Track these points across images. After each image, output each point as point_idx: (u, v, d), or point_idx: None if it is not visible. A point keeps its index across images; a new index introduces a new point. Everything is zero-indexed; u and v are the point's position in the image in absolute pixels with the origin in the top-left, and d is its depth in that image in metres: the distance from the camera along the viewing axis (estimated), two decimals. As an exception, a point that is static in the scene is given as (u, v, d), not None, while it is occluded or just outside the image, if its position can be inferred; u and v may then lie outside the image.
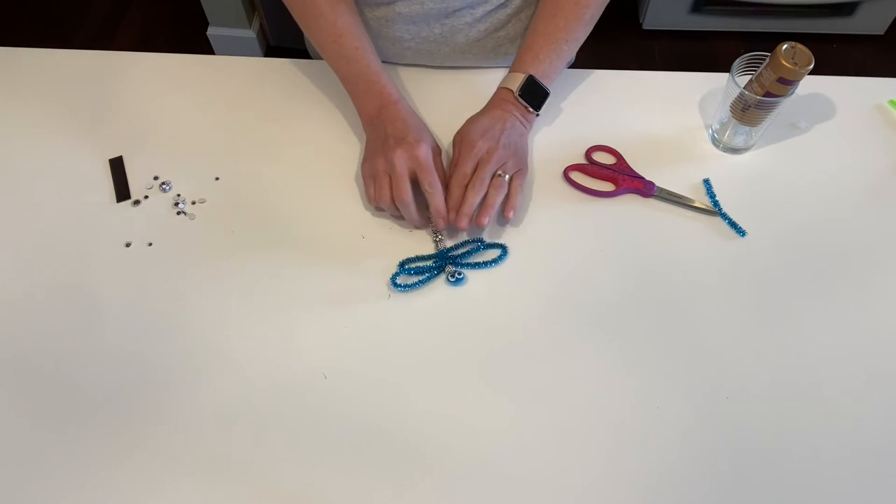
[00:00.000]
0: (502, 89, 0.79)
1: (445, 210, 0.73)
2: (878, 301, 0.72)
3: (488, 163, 0.73)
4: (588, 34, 0.82)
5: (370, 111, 0.78)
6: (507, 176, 0.74)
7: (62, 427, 0.64)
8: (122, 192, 0.79)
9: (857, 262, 0.74)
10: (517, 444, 0.64)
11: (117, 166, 0.80)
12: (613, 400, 0.66)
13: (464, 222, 0.73)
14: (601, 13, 0.82)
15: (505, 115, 0.77)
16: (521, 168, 0.76)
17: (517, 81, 0.78)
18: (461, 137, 0.77)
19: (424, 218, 0.75)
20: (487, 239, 0.75)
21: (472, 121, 0.78)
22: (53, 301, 0.71)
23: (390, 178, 0.73)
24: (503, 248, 0.74)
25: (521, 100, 0.78)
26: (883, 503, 0.61)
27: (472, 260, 0.73)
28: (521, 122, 0.78)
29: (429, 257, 0.74)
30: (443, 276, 0.72)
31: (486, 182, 0.73)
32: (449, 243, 0.75)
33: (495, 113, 0.77)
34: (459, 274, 0.72)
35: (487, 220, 0.73)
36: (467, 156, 0.74)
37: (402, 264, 0.73)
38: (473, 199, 0.73)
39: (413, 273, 0.72)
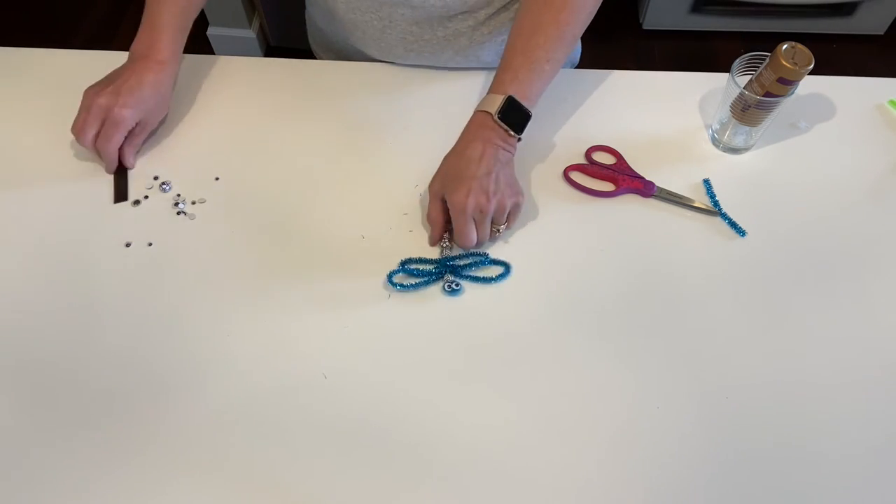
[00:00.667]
0: (480, 113, 0.74)
1: (113, 163, 0.78)
2: (879, 300, 0.72)
3: (483, 222, 0.71)
4: (570, 53, 0.79)
5: (134, 52, 0.80)
6: (503, 228, 0.73)
7: (61, 427, 0.64)
8: (122, 192, 0.79)
9: (858, 261, 0.74)
10: (517, 444, 0.64)
11: (119, 167, 0.80)
12: (613, 400, 0.66)
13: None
14: (583, 31, 0.78)
15: (485, 146, 0.71)
16: (517, 201, 0.73)
17: (496, 103, 0.72)
18: (445, 194, 0.71)
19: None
20: (493, 253, 0.74)
21: (449, 167, 0.73)
22: (53, 301, 0.71)
23: (90, 115, 0.77)
24: (507, 266, 0.73)
25: (500, 123, 0.72)
26: (886, 501, 0.61)
27: (473, 273, 0.73)
28: (504, 149, 0.73)
29: (431, 262, 0.73)
30: (440, 284, 0.72)
31: (482, 242, 0.73)
32: (454, 252, 0.74)
33: (475, 147, 0.71)
34: (457, 285, 0.72)
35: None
36: (462, 222, 0.70)
37: (403, 263, 0.73)
38: (467, 247, 0.73)
39: (413, 274, 0.72)
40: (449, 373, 0.67)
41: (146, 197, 0.79)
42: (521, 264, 0.74)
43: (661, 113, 0.86)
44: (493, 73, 0.88)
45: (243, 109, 0.86)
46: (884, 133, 0.84)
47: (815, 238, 0.76)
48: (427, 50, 0.88)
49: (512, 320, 0.70)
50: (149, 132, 0.81)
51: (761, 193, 0.79)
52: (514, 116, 0.73)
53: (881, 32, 1.99)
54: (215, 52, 1.95)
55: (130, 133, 0.79)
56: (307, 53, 1.05)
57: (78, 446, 0.63)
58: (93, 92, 0.78)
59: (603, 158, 0.82)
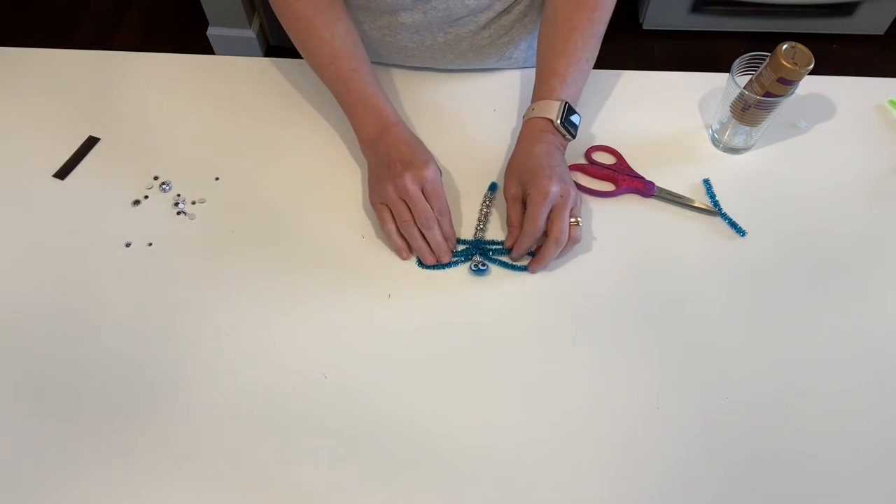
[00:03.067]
0: (539, 119, 0.75)
1: (446, 243, 0.72)
2: (879, 300, 0.72)
3: (564, 208, 0.70)
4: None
5: (370, 134, 0.75)
6: (581, 221, 0.72)
7: (60, 427, 0.64)
8: (66, 170, 0.79)
9: (858, 261, 0.74)
10: (517, 445, 0.64)
11: (87, 146, 0.80)
12: (613, 400, 0.66)
13: (536, 270, 0.72)
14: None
15: (551, 148, 0.73)
16: (581, 197, 0.74)
17: (555, 110, 0.74)
18: (527, 187, 0.71)
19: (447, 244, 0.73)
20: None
21: (523, 165, 0.73)
22: (53, 301, 0.71)
23: (406, 202, 0.70)
24: (533, 255, 0.73)
25: (561, 129, 0.74)
26: (884, 503, 0.61)
27: (502, 258, 0.74)
28: (561, 151, 0.75)
29: (462, 242, 0.74)
30: (466, 266, 0.73)
31: (566, 233, 0.70)
32: (488, 237, 0.75)
33: (543, 147, 0.73)
34: (484, 265, 0.72)
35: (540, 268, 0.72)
36: (542, 208, 0.69)
37: None
38: (553, 254, 0.70)
39: None
40: (447, 372, 0.67)
41: (146, 197, 0.79)
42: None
43: (661, 113, 0.86)
44: (491, 75, 0.89)
45: (243, 109, 0.86)
46: (884, 133, 0.84)
47: (814, 238, 0.76)
48: (428, 56, 0.87)
49: (510, 322, 0.70)
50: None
51: (761, 193, 0.79)
52: (570, 120, 0.75)
53: (881, 32, 1.99)
54: (215, 52, 1.95)
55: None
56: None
57: (77, 446, 0.63)
58: (377, 197, 0.72)
59: (603, 158, 0.82)
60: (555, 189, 0.69)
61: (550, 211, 0.70)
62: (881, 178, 0.81)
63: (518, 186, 0.72)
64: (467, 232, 0.76)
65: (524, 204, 0.72)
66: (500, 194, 0.78)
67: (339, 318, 0.70)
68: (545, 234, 0.71)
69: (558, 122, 0.74)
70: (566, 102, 0.75)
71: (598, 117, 0.85)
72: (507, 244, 0.73)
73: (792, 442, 0.64)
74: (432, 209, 0.71)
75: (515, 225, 0.72)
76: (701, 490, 0.62)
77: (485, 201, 0.77)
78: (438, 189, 0.71)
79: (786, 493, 0.62)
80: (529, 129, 0.75)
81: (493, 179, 0.79)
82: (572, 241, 0.71)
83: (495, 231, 0.76)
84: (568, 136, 0.76)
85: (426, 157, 0.72)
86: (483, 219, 0.76)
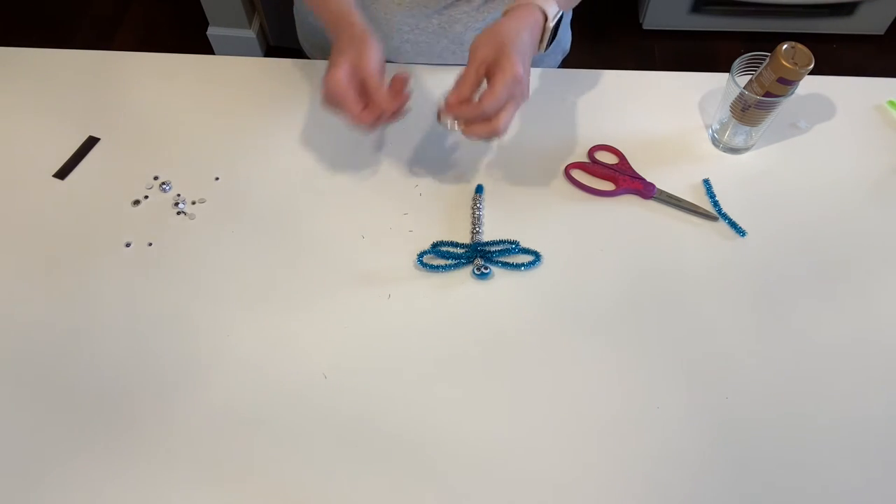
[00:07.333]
0: (536, 9, 0.71)
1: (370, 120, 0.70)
2: (879, 300, 0.72)
3: (517, 103, 0.68)
4: None
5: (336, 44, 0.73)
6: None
7: (60, 426, 0.64)
8: (66, 170, 0.79)
9: (857, 261, 0.74)
10: (517, 445, 0.64)
11: (87, 146, 0.80)
12: (613, 401, 0.66)
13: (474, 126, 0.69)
14: None
15: (531, 44, 0.70)
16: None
17: (553, 10, 0.72)
18: (505, 56, 0.67)
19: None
20: (522, 243, 0.75)
21: (512, 37, 0.69)
22: (53, 301, 0.71)
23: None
24: (537, 255, 0.74)
25: (548, 32, 0.72)
26: (884, 502, 0.62)
27: (503, 259, 0.74)
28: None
29: (462, 246, 0.74)
30: (469, 268, 0.73)
31: (507, 127, 0.68)
32: (485, 238, 0.75)
33: (526, 38, 0.69)
34: (486, 268, 0.72)
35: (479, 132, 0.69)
36: (508, 85, 0.66)
37: (434, 245, 0.73)
38: (482, 136, 0.68)
39: (442, 256, 0.73)
40: (448, 372, 0.67)
41: (146, 197, 0.79)
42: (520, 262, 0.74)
43: (661, 113, 0.86)
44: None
45: (243, 109, 0.86)
46: (884, 133, 0.84)
47: (814, 238, 0.76)
48: (423, 39, 0.88)
49: (510, 321, 0.70)
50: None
51: (761, 193, 0.79)
52: (555, 30, 0.74)
53: (881, 32, 1.99)
54: (215, 52, 1.95)
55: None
56: (306, 53, 1.05)
57: (76, 445, 0.63)
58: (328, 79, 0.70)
59: (606, 158, 0.82)
60: (524, 81, 0.67)
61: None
62: (881, 178, 0.81)
63: (493, 53, 0.68)
64: (464, 236, 0.76)
65: (485, 74, 0.68)
66: (487, 195, 0.78)
67: (339, 319, 0.70)
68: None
69: (551, 23, 0.72)
70: (561, 13, 0.74)
71: (597, 117, 0.85)
72: (451, 98, 0.68)
73: (792, 442, 0.64)
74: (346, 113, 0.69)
75: (467, 84, 0.68)
76: (701, 490, 0.62)
77: (474, 204, 0.77)
78: (340, 94, 0.68)
79: (786, 493, 0.62)
80: (523, 13, 0.71)
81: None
82: (498, 134, 0.68)
83: (491, 232, 0.76)
84: (545, 44, 0.73)
85: (336, 56, 0.69)
86: (476, 221, 0.76)
